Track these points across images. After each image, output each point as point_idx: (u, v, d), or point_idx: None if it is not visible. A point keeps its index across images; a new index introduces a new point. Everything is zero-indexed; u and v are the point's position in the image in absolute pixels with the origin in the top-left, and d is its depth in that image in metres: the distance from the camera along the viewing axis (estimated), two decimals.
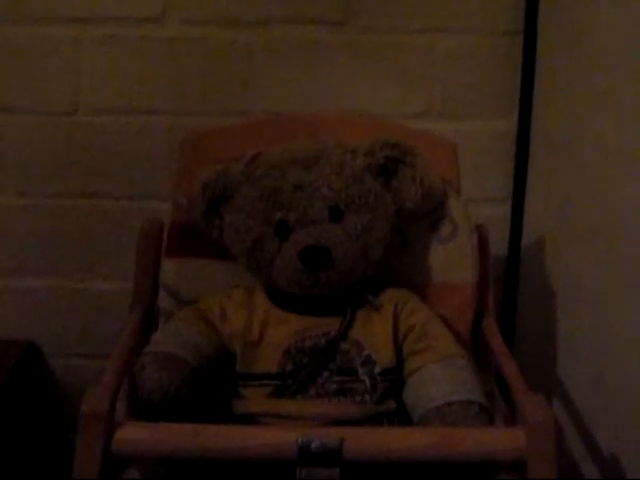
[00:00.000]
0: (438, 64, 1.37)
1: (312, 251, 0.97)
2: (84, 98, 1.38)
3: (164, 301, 1.10)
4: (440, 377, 0.96)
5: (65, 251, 1.44)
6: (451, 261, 1.10)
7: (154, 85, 1.37)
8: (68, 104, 1.38)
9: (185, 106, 1.38)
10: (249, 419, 0.97)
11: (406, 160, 1.03)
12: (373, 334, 1.00)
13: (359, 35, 1.35)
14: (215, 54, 1.36)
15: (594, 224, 1.14)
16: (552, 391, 1.26)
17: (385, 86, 1.38)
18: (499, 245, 1.39)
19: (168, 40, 1.35)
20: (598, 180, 1.13)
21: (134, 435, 0.85)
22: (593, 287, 1.15)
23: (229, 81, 1.37)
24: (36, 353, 1.47)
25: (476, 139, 1.40)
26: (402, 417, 0.98)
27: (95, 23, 1.35)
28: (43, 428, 1.47)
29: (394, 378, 0.99)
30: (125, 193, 1.41)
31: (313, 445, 0.81)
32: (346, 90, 1.38)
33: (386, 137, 1.04)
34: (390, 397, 0.99)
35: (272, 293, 1.04)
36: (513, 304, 1.43)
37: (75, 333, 1.47)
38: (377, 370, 0.98)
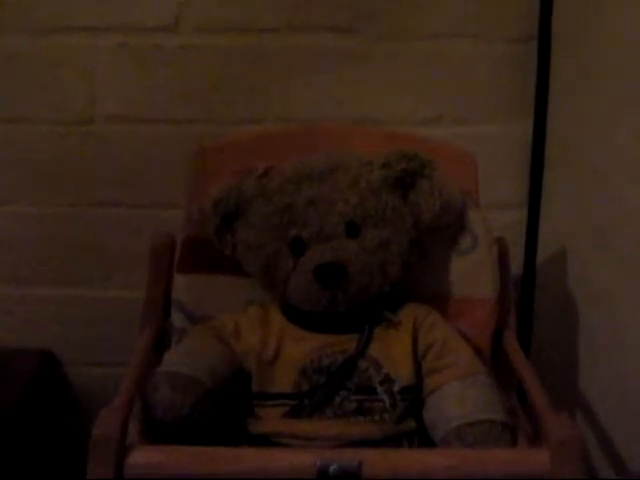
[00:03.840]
0: (452, 70, 1.35)
1: (328, 268, 0.95)
2: (98, 107, 1.37)
3: (176, 318, 1.08)
4: (461, 396, 0.94)
5: (81, 259, 1.43)
6: (471, 275, 1.08)
7: (167, 93, 1.36)
8: (82, 113, 1.37)
9: (198, 114, 1.37)
10: (265, 439, 0.95)
11: (424, 172, 1.01)
12: (392, 351, 0.98)
13: (372, 42, 1.34)
14: (228, 62, 1.35)
15: (611, 229, 1.13)
16: (570, 400, 1.25)
17: (398, 93, 1.36)
18: (515, 251, 1.36)
19: (181, 48, 1.34)
20: (615, 185, 1.12)
21: (147, 459, 0.83)
22: (611, 293, 1.13)
23: (242, 89, 1.36)
24: (53, 362, 1.47)
25: (492, 145, 1.38)
26: (423, 437, 0.97)
27: (108, 32, 1.34)
28: (61, 437, 1.47)
29: (414, 397, 0.97)
30: (140, 201, 1.41)
31: (331, 468, 0.80)
32: (360, 97, 1.36)
33: (403, 149, 1.02)
34: (410, 416, 0.97)
35: (288, 310, 1.02)
36: (530, 311, 1.41)
37: (92, 341, 1.46)
38: (396, 388, 0.96)
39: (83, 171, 1.39)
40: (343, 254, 0.96)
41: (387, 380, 0.97)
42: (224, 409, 0.97)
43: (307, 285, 0.97)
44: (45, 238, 1.42)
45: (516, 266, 1.36)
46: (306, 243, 0.99)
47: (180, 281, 1.09)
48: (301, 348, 0.98)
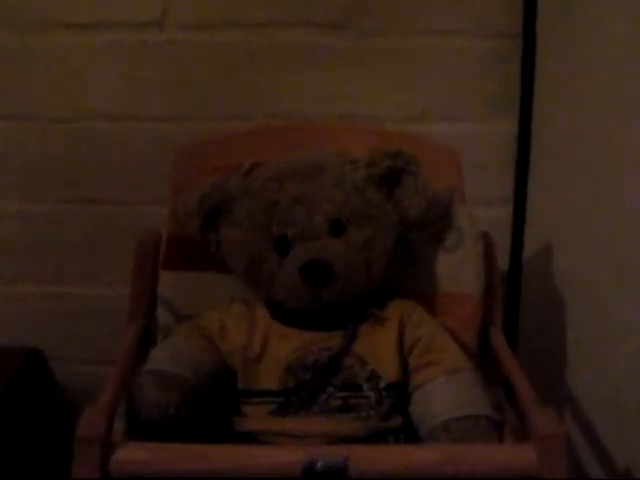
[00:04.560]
0: (439, 66, 1.36)
1: (313, 267, 0.95)
2: (86, 104, 1.37)
3: (162, 315, 1.08)
4: (447, 391, 0.94)
5: (68, 257, 1.43)
6: (457, 271, 1.08)
7: (156, 90, 1.36)
8: (70, 110, 1.37)
9: (187, 111, 1.37)
10: (251, 437, 0.95)
11: (409, 169, 1.01)
12: (377, 348, 0.98)
13: (360, 39, 1.34)
14: (216, 58, 1.35)
15: (597, 225, 1.13)
16: (557, 395, 1.25)
17: (386, 89, 1.36)
18: (501, 247, 1.36)
19: (168, 44, 1.34)
20: (600, 181, 1.12)
21: (133, 456, 0.82)
22: (597, 288, 1.13)
23: (231, 85, 1.36)
24: (40, 359, 1.46)
25: (478, 141, 1.38)
26: (409, 433, 0.96)
27: (95, 29, 1.33)
28: (47, 434, 1.47)
29: (400, 393, 0.97)
30: (127, 199, 1.41)
31: (318, 465, 0.80)
32: (348, 93, 1.36)
33: (387, 146, 1.02)
34: (396, 412, 0.97)
35: (273, 308, 1.02)
36: (516, 306, 1.41)
37: (79, 339, 1.47)
38: (382, 385, 0.96)
39: (70, 168, 1.39)
40: (328, 253, 0.96)
41: (373, 377, 0.96)
42: (210, 407, 0.97)
43: (292, 284, 0.96)
44: (32, 236, 1.42)
45: (502, 262, 1.37)
46: (291, 242, 0.98)
47: (165, 278, 1.09)
48: (286, 345, 0.98)
